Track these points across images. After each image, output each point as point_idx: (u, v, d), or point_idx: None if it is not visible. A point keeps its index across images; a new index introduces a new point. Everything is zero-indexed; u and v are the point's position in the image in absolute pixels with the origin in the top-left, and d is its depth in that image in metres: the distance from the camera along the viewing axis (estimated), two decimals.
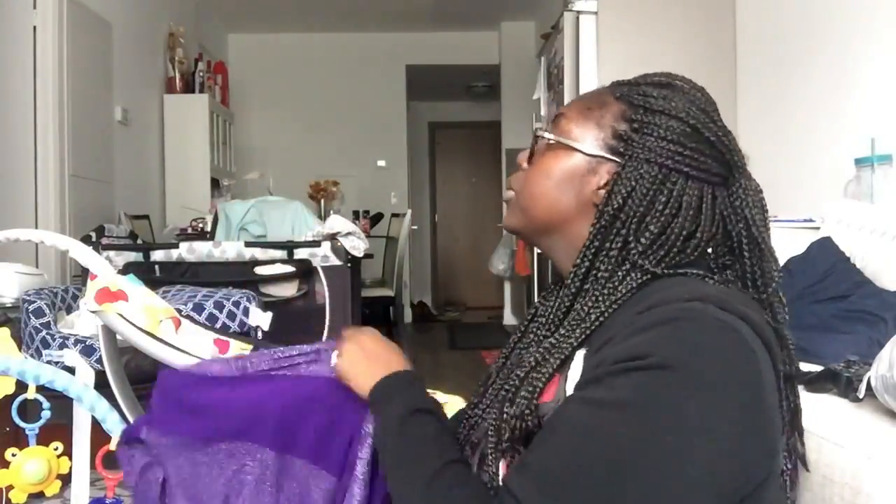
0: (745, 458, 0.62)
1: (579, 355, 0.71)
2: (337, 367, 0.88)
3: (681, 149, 0.75)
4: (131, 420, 1.23)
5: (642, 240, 0.73)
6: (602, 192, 0.77)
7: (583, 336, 0.72)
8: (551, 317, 0.80)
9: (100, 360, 1.42)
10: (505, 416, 0.72)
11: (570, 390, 0.69)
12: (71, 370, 1.27)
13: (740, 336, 0.64)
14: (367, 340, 0.88)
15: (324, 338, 2.57)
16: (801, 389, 1.18)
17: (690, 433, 0.60)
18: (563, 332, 0.74)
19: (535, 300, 0.90)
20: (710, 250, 0.77)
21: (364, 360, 0.86)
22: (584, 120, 0.80)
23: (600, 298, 0.73)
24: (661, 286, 0.72)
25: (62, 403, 1.24)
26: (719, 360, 0.62)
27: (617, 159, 0.77)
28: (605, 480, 0.60)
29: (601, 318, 0.72)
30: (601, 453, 0.60)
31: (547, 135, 0.81)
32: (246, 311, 2.01)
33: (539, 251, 0.88)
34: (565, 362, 0.71)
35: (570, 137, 0.80)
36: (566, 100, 3.15)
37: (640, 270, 0.73)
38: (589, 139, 0.79)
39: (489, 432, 0.75)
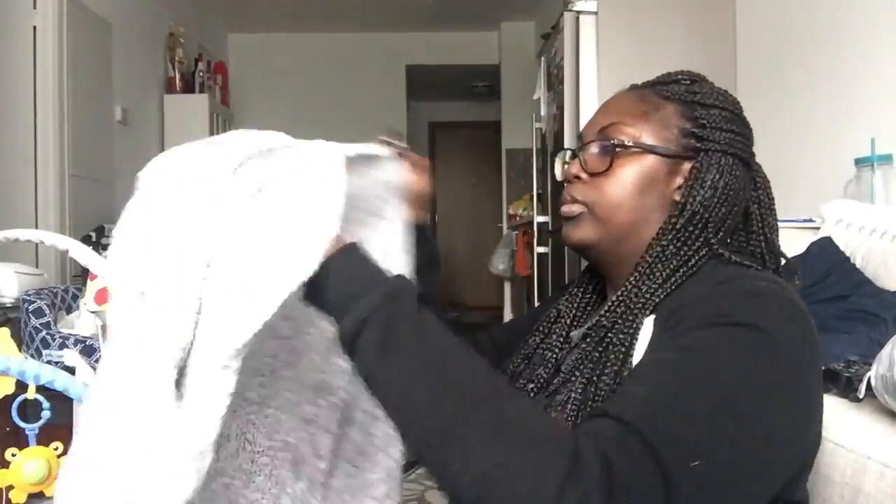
0: (799, 438, 0.64)
1: (648, 321, 0.72)
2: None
3: (739, 136, 0.79)
4: None
5: (719, 225, 0.76)
6: (681, 189, 0.78)
7: (654, 301, 0.73)
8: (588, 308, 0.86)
9: (100, 360, 1.42)
10: (595, 381, 0.71)
11: (638, 355, 0.69)
12: (71, 370, 1.27)
13: (812, 324, 0.67)
14: None
15: None
16: None
17: (765, 392, 0.61)
18: (631, 300, 0.74)
19: (557, 305, 0.88)
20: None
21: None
22: (646, 123, 0.79)
23: (670, 271, 0.74)
24: (726, 271, 0.73)
25: (62, 403, 1.23)
26: (799, 339, 0.65)
27: (691, 156, 0.79)
28: (704, 425, 0.58)
29: (672, 287, 0.73)
30: (697, 396, 0.60)
31: (627, 141, 0.78)
32: None
33: (600, 262, 0.84)
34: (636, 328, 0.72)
35: (641, 142, 0.79)
36: (566, 100, 3.14)
37: (713, 252, 0.75)
38: (661, 141, 0.79)
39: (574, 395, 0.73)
